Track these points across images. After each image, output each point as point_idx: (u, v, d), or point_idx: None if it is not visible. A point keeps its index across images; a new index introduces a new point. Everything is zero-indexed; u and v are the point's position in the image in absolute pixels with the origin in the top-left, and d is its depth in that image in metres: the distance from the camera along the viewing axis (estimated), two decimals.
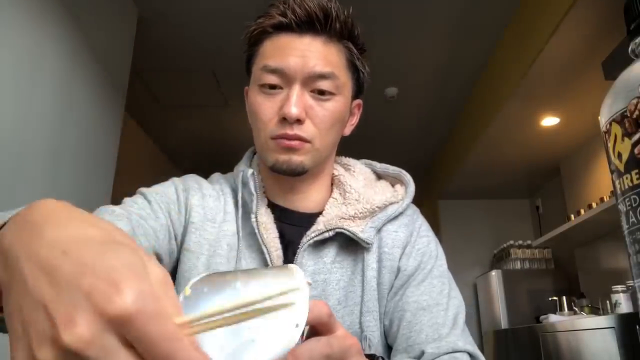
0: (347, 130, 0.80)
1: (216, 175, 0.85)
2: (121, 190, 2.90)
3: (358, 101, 0.80)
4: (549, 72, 2.64)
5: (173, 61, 3.16)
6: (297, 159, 0.70)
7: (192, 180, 0.81)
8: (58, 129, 1.96)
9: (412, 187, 0.81)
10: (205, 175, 0.86)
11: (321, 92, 0.70)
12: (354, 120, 0.81)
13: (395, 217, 0.78)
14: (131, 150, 3.68)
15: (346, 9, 0.73)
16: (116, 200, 0.77)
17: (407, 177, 0.83)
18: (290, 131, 0.67)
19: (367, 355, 0.60)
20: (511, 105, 3.00)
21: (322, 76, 0.68)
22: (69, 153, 2.03)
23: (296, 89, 0.68)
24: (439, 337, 0.69)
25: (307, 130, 0.69)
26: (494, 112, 3.19)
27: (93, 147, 2.24)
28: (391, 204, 0.78)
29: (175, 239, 0.74)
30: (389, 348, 0.74)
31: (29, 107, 1.77)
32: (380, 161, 0.86)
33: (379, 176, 0.86)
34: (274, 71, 0.68)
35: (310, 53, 0.68)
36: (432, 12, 2.79)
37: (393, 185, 0.84)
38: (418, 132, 4.38)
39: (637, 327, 2.02)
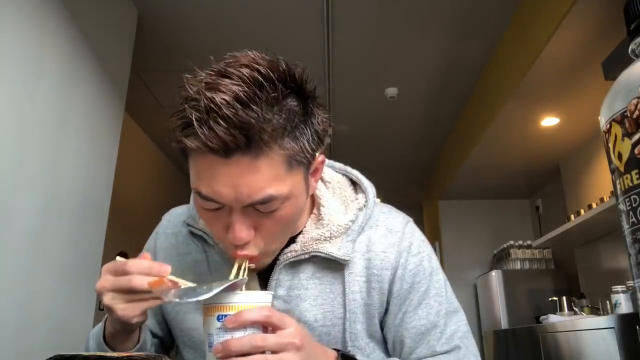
0: (312, 191, 0.73)
1: (175, 211, 0.90)
2: (121, 190, 2.90)
3: (321, 158, 0.70)
4: (549, 72, 2.64)
5: (173, 61, 3.15)
6: (256, 264, 0.68)
7: (160, 225, 0.88)
8: (58, 129, 1.95)
9: (370, 193, 0.81)
10: None
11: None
12: (319, 175, 0.72)
13: (384, 235, 0.78)
14: (131, 150, 3.68)
15: (277, 82, 0.59)
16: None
17: (363, 182, 0.82)
18: (240, 252, 0.65)
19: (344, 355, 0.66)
20: (511, 105, 3.00)
21: (260, 202, 0.61)
22: (69, 153, 2.03)
23: (236, 215, 0.62)
24: (432, 355, 0.75)
25: (257, 245, 0.65)
26: (494, 112, 3.19)
27: (93, 147, 2.24)
28: (359, 209, 0.78)
29: None
30: None
31: (29, 107, 1.77)
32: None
33: (353, 181, 0.85)
34: (207, 198, 0.61)
35: (240, 180, 0.59)
36: (432, 12, 2.79)
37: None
38: (418, 132, 4.37)
39: (637, 327, 2.01)
